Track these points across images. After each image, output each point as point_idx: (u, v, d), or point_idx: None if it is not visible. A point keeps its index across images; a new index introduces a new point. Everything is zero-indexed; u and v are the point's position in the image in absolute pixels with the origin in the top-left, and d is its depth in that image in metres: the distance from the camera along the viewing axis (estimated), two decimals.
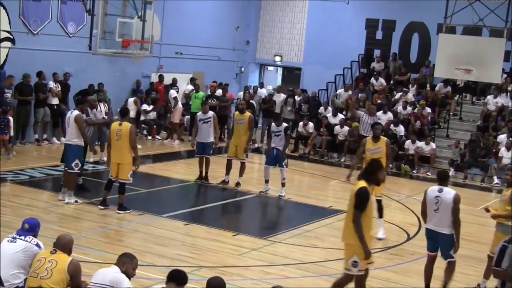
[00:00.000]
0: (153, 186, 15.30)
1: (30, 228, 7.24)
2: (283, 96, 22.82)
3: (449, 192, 9.09)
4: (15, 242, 7.05)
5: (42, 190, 13.88)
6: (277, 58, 27.12)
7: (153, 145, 20.83)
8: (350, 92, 23.05)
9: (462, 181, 19.12)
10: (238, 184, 15.45)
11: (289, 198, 15.01)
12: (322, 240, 11.97)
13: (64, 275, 6.71)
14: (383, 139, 12.41)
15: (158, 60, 22.56)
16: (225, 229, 12.06)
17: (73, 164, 12.57)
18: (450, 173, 19.18)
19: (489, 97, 21.58)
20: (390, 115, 20.94)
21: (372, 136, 12.56)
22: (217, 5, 25.34)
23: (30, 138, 18.46)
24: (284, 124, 15.07)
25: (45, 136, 18.80)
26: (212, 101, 20.84)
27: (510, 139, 19.29)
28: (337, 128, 21.11)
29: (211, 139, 15.54)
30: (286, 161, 14.94)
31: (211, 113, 15.68)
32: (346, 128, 20.92)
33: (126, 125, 12.32)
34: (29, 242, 7.06)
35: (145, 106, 20.56)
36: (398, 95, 22.61)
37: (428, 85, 23.17)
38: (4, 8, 17.50)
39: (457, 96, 22.81)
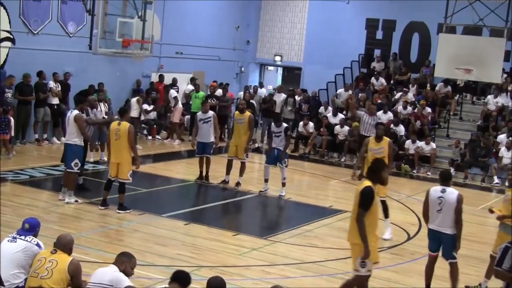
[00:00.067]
0: (153, 186, 15.30)
1: (30, 228, 7.23)
2: (283, 96, 22.82)
3: (452, 193, 9.09)
4: (15, 242, 7.05)
5: (42, 190, 13.88)
6: (277, 58, 27.12)
7: (153, 145, 20.84)
8: (350, 92, 23.05)
9: (462, 181, 19.11)
10: (238, 184, 15.45)
11: (289, 198, 15.01)
12: (322, 240, 11.97)
13: (65, 275, 6.71)
14: (386, 139, 12.40)
15: (158, 60, 22.57)
16: (225, 229, 12.06)
17: (72, 164, 12.57)
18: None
19: (489, 97, 21.59)
20: (390, 115, 20.94)
21: (374, 136, 12.56)
22: (217, 5, 25.34)
23: (30, 138, 18.46)
24: (284, 125, 15.06)
25: (45, 136, 18.81)
26: (212, 100, 20.83)
27: (510, 138, 19.29)
28: (337, 128, 21.11)
29: (212, 139, 15.53)
30: (286, 161, 14.94)
31: (211, 112, 15.67)
32: (346, 128, 20.92)
33: (125, 124, 12.32)
34: (30, 242, 7.06)
35: (145, 106, 20.56)
36: (398, 95, 22.61)
37: (428, 85, 23.17)
38: (4, 8, 17.51)
39: (457, 96, 22.80)
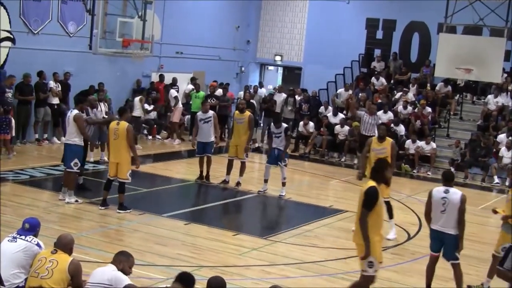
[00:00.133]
0: (154, 185, 15.30)
1: (31, 228, 7.23)
2: (283, 95, 22.82)
3: (456, 193, 9.08)
4: (16, 241, 7.05)
5: (42, 189, 13.88)
6: (278, 58, 27.12)
7: (154, 144, 20.84)
8: (350, 92, 23.04)
9: (462, 180, 19.11)
10: (238, 183, 15.46)
11: (289, 197, 15.01)
12: (322, 239, 11.97)
13: (65, 275, 6.72)
14: (389, 140, 12.40)
15: (159, 60, 22.57)
16: (225, 229, 12.06)
17: (72, 164, 12.57)
18: None
19: (490, 97, 21.58)
20: (390, 114, 20.94)
21: (377, 136, 12.55)
22: (217, 5, 25.34)
23: (30, 138, 18.47)
24: (284, 125, 15.02)
25: (45, 136, 18.81)
26: (212, 100, 20.83)
27: (510, 138, 19.29)
28: (338, 127, 21.11)
29: (212, 139, 15.54)
30: (286, 160, 14.94)
31: (211, 112, 15.67)
32: (346, 128, 20.92)
33: (124, 124, 12.32)
34: (30, 241, 7.06)
35: (145, 106, 20.55)
36: (398, 95, 22.61)
37: (428, 85, 23.16)
38: (5, 7, 17.51)
39: (458, 95, 22.80)
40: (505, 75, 21.72)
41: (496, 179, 19.00)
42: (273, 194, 15.02)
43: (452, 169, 18.93)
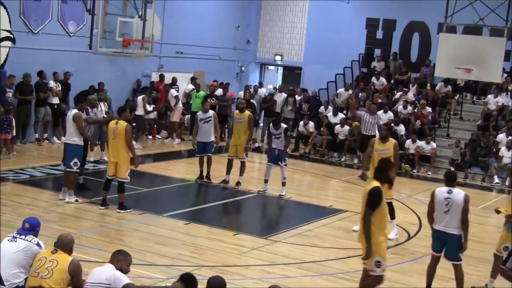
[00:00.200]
0: (154, 185, 15.31)
1: (31, 228, 7.23)
2: (284, 95, 22.82)
3: (459, 193, 9.06)
4: (16, 241, 7.05)
5: (42, 189, 13.88)
6: (278, 58, 27.12)
7: (154, 144, 20.83)
8: (350, 92, 23.05)
9: (462, 180, 19.08)
10: (238, 183, 15.45)
11: (289, 197, 15.01)
12: (322, 239, 11.97)
13: (65, 275, 6.72)
14: (392, 141, 12.39)
15: (159, 60, 22.57)
16: (225, 229, 12.05)
17: (71, 163, 12.57)
18: None
19: (490, 97, 21.58)
20: (390, 114, 20.94)
21: (379, 137, 12.56)
22: (217, 5, 25.34)
23: (30, 138, 18.47)
24: (283, 126, 14.96)
25: (45, 135, 18.81)
26: (212, 100, 20.82)
27: (510, 137, 19.28)
28: (338, 127, 21.11)
29: (212, 138, 15.54)
30: (286, 159, 14.94)
31: (211, 112, 15.68)
32: (346, 128, 20.92)
33: (122, 124, 12.32)
34: (30, 241, 7.06)
35: (146, 106, 20.52)
36: (398, 95, 22.61)
37: (428, 85, 23.16)
38: (5, 7, 17.51)
39: (458, 95, 22.80)
40: (505, 75, 21.72)
41: (496, 179, 19.00)
42: (273, 194, 15.02)
43: (452, 169, 18.96)
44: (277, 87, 24.27)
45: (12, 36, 17.81)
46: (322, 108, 22.78)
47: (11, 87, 17.44)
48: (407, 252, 11.65)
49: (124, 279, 6.50)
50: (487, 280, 9.73)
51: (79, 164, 12.73)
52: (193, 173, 16.23)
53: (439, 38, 19.69)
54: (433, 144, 20.11)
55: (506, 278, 7.16)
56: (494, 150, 19.56)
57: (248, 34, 27.23)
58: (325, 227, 12.87)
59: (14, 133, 16.85)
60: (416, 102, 22.00)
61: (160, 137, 21.67)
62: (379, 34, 25.29)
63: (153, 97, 21.11)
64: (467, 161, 19.66)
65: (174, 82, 22.45)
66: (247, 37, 27.24)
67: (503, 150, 19.10)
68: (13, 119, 16.66)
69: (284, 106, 22.48)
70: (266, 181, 15.13)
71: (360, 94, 22.69)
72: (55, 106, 18.79)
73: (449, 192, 9.07)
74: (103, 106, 15.51)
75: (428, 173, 19.77)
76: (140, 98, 20.13)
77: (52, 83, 18.69)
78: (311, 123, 21.69)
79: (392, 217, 12.10)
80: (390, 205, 11.79)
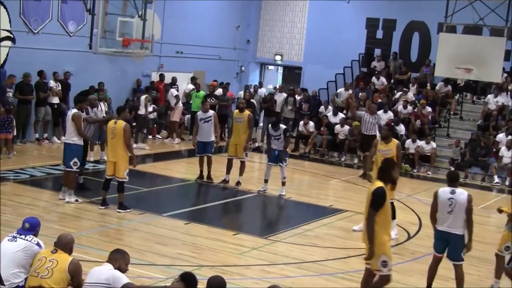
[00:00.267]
0: (154, 185, 15.31)
1: (31, 227, 7.23)
2: (284, 95, 22.81)
3: (462, 193, 9.05)
4: (16, 241, 7.04)
5: (42, 189, 13.89)
6: (278, 57, 27.11)
7: (154, 144, 20.83)
8: (350, 91, 23.04)
9: (462, 180, 19.01)
10: (238, 183, 15.45)
11: (289, 197, 15.01)
12: (322, 239, 11.96)
13: (65, 275, 6.71)
14: (394, 141, 12.37)
15: (159, 59, 22.56)
16: (225, 228, 12.05)
17: (71, 163, 12.57)
18: None
19: (490, 96, 21.58)
20: (390, 114, 20.93)
21: (381, 137, 12.55)
22: (217, 5, 25.34)
23: (30, 137, 18.47)
24: (282, 127, 14.91)
25: (45, 135, 18.81)
26: (211, 100, 20.81)
27: (510, 137, 19.28)
28: (338, 127, 21.10)
29: (212, 138, 15.54)
30: (286, 159, 14.93)
31: (211, 112, 15.68)
32: (346, 127, 20.91)
33: (121, 123, 12.32)
34: (30, 241, 7.06)
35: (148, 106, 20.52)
36: (398, 94, 22.61)
37: (428, 84, 23.16)
38: (5, 7, 17.51)
39: (458, 95, 22.80)
40: (505, 74, 21.71)
41: (496, 179, 19.00)
42: (273, 194, 15.02)
43: (452, 169, 18.96)
44: (278, 87, 24.27)
45: (12, 35, 17.81)
46: (322, 108, 22.78)
47: (11, 86, 17.45)
48: (407, 252, 11.65)
49: (123, 278, 6.49)
50: (492, 281, 9.71)
51: (78, 163, 12.73)
52: (193, 173, 16.23)
53: (439, 38, 19.69)
54: (433, 144, 20.11)
55: (510, 278, 7.18)
56: (494, 150, 19.55)
57: (248, 34, 27.23)
58: (325, 227, 12.87)
59: (15, 133, 16.85)
60: (416, 102, 22.00)
61: (160, 137, 21.67)
62: (379, 34, 25.28)
63: (153, 97, 21.10)
64: (467, 161, 19.65)
65: (174, 82, 22.44)
66: (247, 37, 27.24)
67: (503, 150, 19.10)
68: (14, 119, 16.66)
69: (284, 106, 22.47)
70: (266, 181, 15.12)
71: (360, 94, 22.69)
72: (55, 106, 18.79)
73: (452, 192, 9.05)
74: (103, 106, 15.51)
75: (428, 173, 19.77)
76: (143, 97, 20.13)
77: (52, 83, 18.68)
78: (311, 123, 21.69)
79: (393, 217, 12.07)
80: (391, 205, 11.78)
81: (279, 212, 14.92)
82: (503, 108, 21.26)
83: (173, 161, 18.77)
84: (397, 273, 10.35)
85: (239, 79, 27.10)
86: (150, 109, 20.55)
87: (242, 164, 15.47)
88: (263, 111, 22.85)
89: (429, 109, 21.41)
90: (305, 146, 21.58)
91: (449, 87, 22.51)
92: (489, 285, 9.77)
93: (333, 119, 21.64)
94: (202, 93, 21.72)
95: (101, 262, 6.72)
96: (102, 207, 12.46)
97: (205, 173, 15.69)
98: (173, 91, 21.81)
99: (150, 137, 21.30)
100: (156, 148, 20.08)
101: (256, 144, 21.54)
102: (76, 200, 12.70)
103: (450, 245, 9.09)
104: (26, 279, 6.87)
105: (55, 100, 18.77)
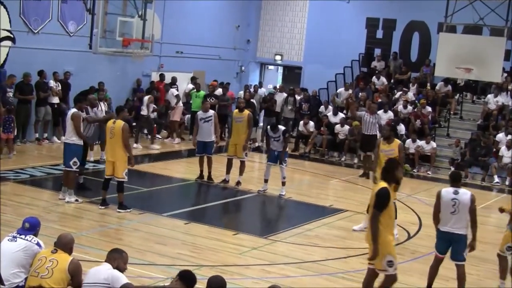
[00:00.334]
0: (154, 185, 15.31)
1: (31, 227, 7.23)
2: (284, 95, 22.81)
3: (465, 193, 9.04)
4: (16, 241, 7.04)
5: (42, 189, 13.89)
6: (278, 57, 27.10)
7: (148, 143, 20.80)
8: (350, 91, 23.04)
9: (462, 180, 19.06)
10: (238, 183, 15.45)
11: (289, 197, 15.01)
12: (322, 239, 11.96)
13: (65, 275, 6.71)
14: (397, 141, 12.34)
15: (159, 59, 22.56)
16: (225, 228, 12.06)
17: (71, 163, 12.57)
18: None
19: (490, 96, 21.58)
20: (390, 114, 20.93)
21: (383, 137, 12.54)
22: (217, 5, 25.33)
23: (30, 137, 18.47)
24: (281, 128, 14.89)
25: (45, 135, 18.81)
26: (211, 99, 20.81)
27: (510, 137, 19.27)
28: (338, 127, 21.10)
29: (212, 138, 15.54)
30: (286, 160, 14.93)
31: (212, 112, 15.69)
32: (346, 127, 20.91)
33: (119, 123, 12.32)
34: (30, 241, 7.05)
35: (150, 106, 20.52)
36: (398, 94, 22.61)
37: (428, 84, 23.16)
38: (5, 7, 17.51)
39: (458, 95, 22.80)
40: (505, 74, 21.71)
41: (496, 179, 19.00)
42: (273, 194, 15.02)
43: (452, 169, 18.95)
44: (278, 87, 24.26)
45: (12, 35, 17.81)
46: (322, 108, 22.78)
47: (12, 86, 17.45)
48: (407, 251, 11.64)
49: (122, 278, 6.48)
50: (498, 282, 9.70)
51: (78, 163, 12.72)
52: (193, 172, 16.23)
53: (439, 37, 19.70)
54: (433, 144, 20.11)
55: None
56: (494, 149, 19.55)
57: (248, 34, 27.22)
58: (325, 226, 12.87)
59: (15, 133, 16.85)
60: (416, 101, 21.99)
61: (160, 137, 21.66)
62: (379, 34, 25.27)
63: (154, 97, 21.09)
64: (467, 161, 19.65)
65: (173, 82, 22.43)
66: (247, 37, 27.23)
67: (503, 150, 19.10)
68: (15, 119, 16.68)
69: (284, 105, 22.48)
70: (266, 181, 15.12)
71: (360, 93, 22.68)
72: (55, 106, 18.79)
73: (456, 192, 9.03)
74: (103, 106, 15.49)
75: (428, 172, 19.77)
76: (146, 98, 20.14)
77: (52, 83, 18.68)
78: (311, 123, 21.69)
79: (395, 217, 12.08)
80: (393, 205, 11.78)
81: (279, 212, 14.93)
82: (503, 108, 21.25)
83: (173, 161, 18.77)
84: (397, 272, 10.35)
85: (239, 79, 27.10)
86: (150, 109, 20.55)
87: (242, 164, 15.47)
88: (263, 111, 22.84)
89: (429, 109, 21.41)
90: (305, 146, 21.58)
91: (449, 87, 22.51)
92: (489, 285, 9.77)
93: (333, 119, 21.64)
94: (202, 93, 21.71)
95: (101, 262, 6.71)
96: (102, 207, 12.46)
97: (205, 173, 15.69)
98: (173, 91, 21.81)
99: (150, 137, 21.27)
100: (148, 148, 20.02)
101: (256, 144, 21.53)
102: (76, 200, 12.71)
103: (454, 246, 9.06)
104: (26, 279, 6.86)
105: (55, 100, 18.77)
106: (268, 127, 15.25)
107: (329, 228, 12.76)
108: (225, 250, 10.67)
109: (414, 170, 19.88)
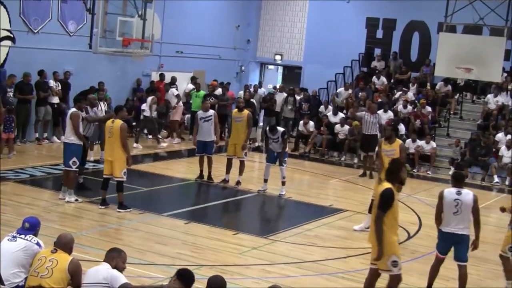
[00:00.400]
0: (154, 184, 15.31)
1: (31, 227, 7.23)
2: (284, 95, 22.81)
3: (468, 194, 9.01)
4: (16, 241, 7.04)
5: (42, 189, 13.89)
6: (278, 57, 27.10)
7: (154, 143, 20.80)
8: (350, 91, 23.05)
9: None
10: (238, 183, 15.45)
11: (289, 197, 15.00)
12: (322, 239, 11.96)
13: (65, 274, 6.71)
14: (398, 141, 12.26)
15: (159, 59, 22.56)
16: (225, 228, 12.06)
17: (70, 162, 12.57)
18: (450, 172, 19.18)
19: (490, 96, 21.57)
20: (390, 113, 20.92)
21: (384, 137, 12.54)
22: (217, 4, 25.33)
23: (30, 137, 18.47)
24: (280, 130, 14.85)
25: (45, 135, 18.81)
26: (211, 99, 20.80)
27: (509, 136, 19.27)
28: (338, 127, 21.10)
29: (212, 138, 15.54)
30: (286, 160, 14.93)
31: (212, 111, 15.69)
32: (346, 127, 20.91)
33: (118, 122, 12.33)
34: (30, 241, 7.06)
35: (144, 106, 20.53)
36: (398, 94, 22.61)
37: (428, 84, 23.15)
38: (5, 6, 17.51)
39: (458, 95, 22.80)
40: (505, 74, 21.71)
41: (496, 179, 18.99)
42: (273, 193, 15.02)
43: (452, 168, 18.95)
44: (278, 87, 24.26)
45: (12, 35, 17.81)
46: (322, 108, 22.78)
47: (12, 86, 17.45)
48: (407, 251, 11.63)
49: (121, 278, 6.48)
50: (505, 283, 9.69)
51: (78, 163, 12.72)
52: (193, 172, 16.23)
53: (439, 37, 19.70)
54: (433, 144, 20.10)
55: None
56: (494, 149, 19.55)
57: (248, 34, 27.23)
58: (325, 226, 12.86)
59: (16, 133, 16.86)
60: (416, 101, 21.99)
61: (160, 137, 21.61)
62: (379, 34, 25.28)
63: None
64: (467, 161, 19.64)
65: (173, 82, 22.42)
66: (247, 37, 27.24)
67: (503, 150, 19.10)
68: (15, 119, 16.69)
69: (284, 105, 22.47)
70: (265, 181, 15.12)
71: (360, 93, 22.68)
72: (55, 106, 18.79)
73: (458, 193, 9.00)
74: (103, 106, 15.49)
75: (428, 172, 19.76)
76: (149, 99, 20.13)
77: (52, 83, 18.68)
78: (311, 123, 21.69)
79: None
80: None
81: (279, 212, 14.93)
82: (503, 108, 21.25)
83: (173, 160, 18.77)
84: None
85: (239, 79, 27.10)
86: (154, 110, 20.58)
87: (242, 163, 15.46)
88: (263, 110, 22.84)
89: (429, 108, 21.40)
90: (305, 146, 21.58)
91: (449, 87, 22.51)
92: (489, 285, 9.78)
93: (333, 119, 21.63)
94: (202, 92, 21.71)
95: (101, 262, 6.71)
96: (102, 207, 12.46)
97: (205, 173, 15.69)
98: (173, 91, 21.81)
99: (150, 136, 21.29)
100: (156, 148, 20.05)
101: (256, 144, 21.53)
102: (76, 200, 12.71)
103: (457, 246, 9.04)
104: (26, 278, 6.87)
105: (55, 99, 18.77)
106: (267, 128, 15.23)
107: (329, 228, 12.75)
108: (225, 250, 10.67)
109: (414, 170, 19.87)
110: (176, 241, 11.04)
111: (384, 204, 7.83)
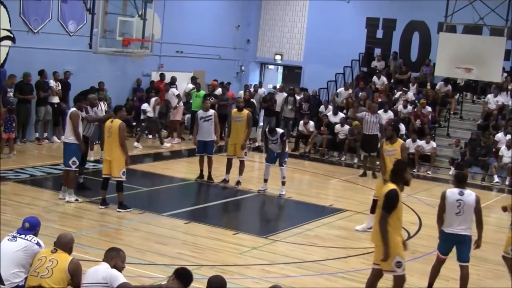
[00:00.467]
0: (154, 184, 15.31)
1: (31, 227, 7.23)
2: (284, 95, 22.80)
3: (470, 194, 9.01)
4: (16, 241, 7.04)
5: (42, 188, 13.89)
6: (278, 57, 27.10)
7: (154, 143, 20.81)
8: (350, 91, 23.05)
9: None
10: (238, 182, 15.44)
11: (289, 196, 15.00)
12: (322, 239, 11.96)
13: (65, 274, 6.71)
14: (399, 142, 12.23)
15: (159, 59, 22.56)
16: (225, 228, 12.05)
17: (70, 162, 12.56)
18: (450, 172, 19.20)
19: (490, 96, 21.57)
20: (390, 113, 20.92)
21: (386, 138, 12.54)
22: (218, 4, 25.33)
23: (30, 137, 18.47)
24: (279, 131, 14.82)
25: (45, 135, 18.81)
26: (211, 99, 20.78)
27: (509, 136, 19.26)
28: (338, 127, 21.09)
29: (212, 137, 15.54)
30: (286, 160, 14.92)
31: (212, 111, 15.68)
32: (346, 127, 20.90)
33: (117, 122, 12.33)
34: (30, 241, 7.05)
35: (145, 106, 20.54)
36: (398, 94, 22.61)
37: (428, 84, 23.15)
38: (5, 6, 17.51)
39: (458, 95, 22.80)
40: (505, 74, 21.71)
41: (496, 178, 18.99)
42: (273, 193, 15.02)
43: (452, 168, 18.96)
44: (278, 87, 24.26)
45: (12, 35, 17.81)
46: (322, 108, 22.78)
47: (12, 86, 17.45)
48: (407, 251, 11.52)
49: (120, 277, 6.47)
50: (498, 283, 9.68)
51: (77, 163, 12.71)
52: (193, 172, 16.22)
53: (439, 37, 19.70)
54: (433, 144, 20.10)
55: None
56: (494, 149, 19.55)
57: (248, 34, 27.23)
58: (325, 226, 12.86)
59: (16, 133, 16.86)
60: (416, 101, 21.98)
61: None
62: (379, 34, 25.27)
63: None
64: (467, 161, 19.64)
65: (173, 82, 22.40)
66: (247, 37, 27.24)
67: (503, 150, 19.10)
68: (16, 119, 16.69)
69: (284, 105, 22.46)
70: (265, 181, 15.12)
71: (360, 93, 22.68)
72: (55, 106, 18.78)
73: (461, 193, 8.99)
74: (103, 106, 15.48)
75: (428, 172, 19.76)
76: (153, 100, 20.13)
77: (52, 83, 18.68)
78: (311, 123, 21.68)
79: None
80: None
81: (279, 212, 14.92)
82: (503, 108, 21.25)
83: (173, 160, 18.76)
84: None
85: (239, 79, 27.09)
86: (149, 108, 20.56)
87: (242, 163, 15.46)
88: (263, 110, 22.83)
89: (429, 108, 21.40)
90: (305, 146, 21.57)
91: (449, 87, 22.51)
92: (489, 285, 9.77)
93: (333, 119, 21.63)
94: (202, 92, 21.70)
95: (101, 261, 6.70)
96: (102, 207, 12.46)
97: (205, 173, 15.69)
98: (174, 91, 21.79)
99: (150, 136, 21.30)
100: (156, 148, 20.05)
101: (256, 144, 21.53)
102: (76, 200, 12.70)
103: (460, 247, 9.03)
104: (26, 278, 6.87)
105: (55, 99, 18.77)
106: (267, 129, 15.22)
107: (329, 228, 12.75)
108: (225, 250, 10.67)
109: (414, 170, 19.84)
110: (176, 241, 11.04)
111: (388, 205, 7.83)
